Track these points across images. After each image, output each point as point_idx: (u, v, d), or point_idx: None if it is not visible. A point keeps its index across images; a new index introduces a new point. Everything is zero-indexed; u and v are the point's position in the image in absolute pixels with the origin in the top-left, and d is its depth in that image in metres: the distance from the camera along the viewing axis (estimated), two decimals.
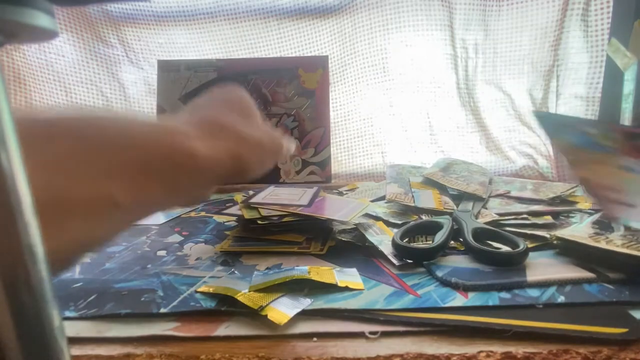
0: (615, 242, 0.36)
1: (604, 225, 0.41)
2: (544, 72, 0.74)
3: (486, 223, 0.45)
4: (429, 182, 0.60)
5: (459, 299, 0.31)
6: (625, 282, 0.33)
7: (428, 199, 0.53)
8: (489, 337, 0.27)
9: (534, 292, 0.32)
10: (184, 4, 0.79)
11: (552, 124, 0.40)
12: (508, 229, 0.44)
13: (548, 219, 0.47)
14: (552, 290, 0.32)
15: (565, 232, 0.39)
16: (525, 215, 0.48)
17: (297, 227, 0.46)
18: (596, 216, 0.45)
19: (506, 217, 0.48)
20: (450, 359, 0.25)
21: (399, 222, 0.48)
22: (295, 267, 0.36)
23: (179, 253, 0.43)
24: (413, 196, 0.54)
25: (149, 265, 0.39)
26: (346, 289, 0.33)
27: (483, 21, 0.74)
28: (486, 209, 0.52)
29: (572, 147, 0.38)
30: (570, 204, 0.53)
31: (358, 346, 0.27)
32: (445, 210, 0.50)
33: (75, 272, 0.38)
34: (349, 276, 0.35)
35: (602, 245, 0.35)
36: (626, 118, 0.51)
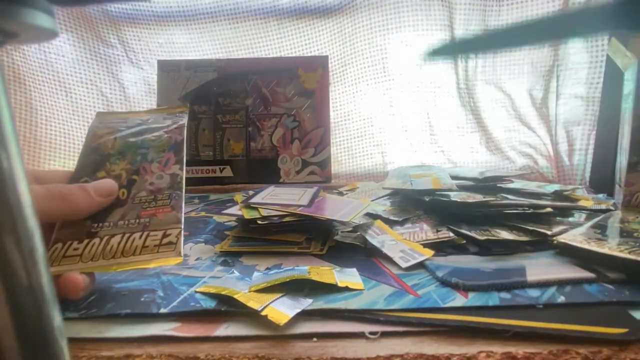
0: (617, 247, 0.35)
1: (604, 229, 0.41)
2: (544, 72, 0.74)
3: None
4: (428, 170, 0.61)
5: (459, 299, 0.31)
6: (625, 282, 0.33)
7: (426, 183, 0.53)
8: (489, 337, 0.27)
9: (534, 292, 0.32)
10: (184, 4, 0.79)
11: None
12: (509, 223, 0.44)
13: (549, 210, 0.47)
14: (552, 290, 0.32)
15: (567, 237, 0.39)
16: (526, 207, 0.47)
17: (297, 227, 0.46)
18: (597, 219, 0.45)
19: (508, 208, 0.47)
20: (450, 359, 0.25)
21: (399, 219, 0.48)
22: (295, 267, 0.36)
23: None
24: (411, 183, 0.54)
25: None
26: (346, 289, 0.33)
27: (483, 21, 0.74)
28: None
29: None
30: (571, 201, 0.53)
31: (358, 346, 0.27)
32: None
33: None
34: (349, 276, 0.35)
35: (605, 250, 0.35)
36: (626, 118, 0.51)
